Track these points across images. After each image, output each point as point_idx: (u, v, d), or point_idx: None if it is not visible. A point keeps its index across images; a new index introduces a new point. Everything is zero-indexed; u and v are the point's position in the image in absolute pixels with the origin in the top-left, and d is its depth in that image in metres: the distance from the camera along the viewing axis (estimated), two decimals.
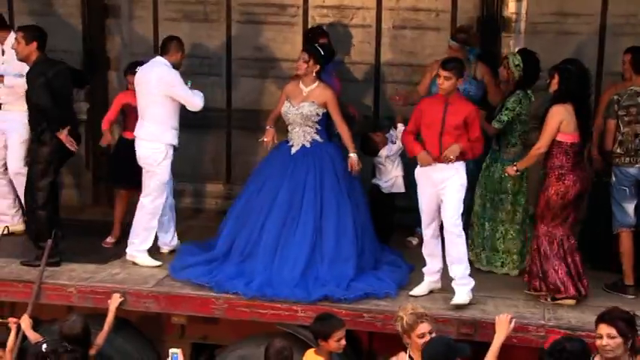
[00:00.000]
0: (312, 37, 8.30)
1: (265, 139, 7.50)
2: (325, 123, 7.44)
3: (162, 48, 7.69)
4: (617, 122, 7.07)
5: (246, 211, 7.43)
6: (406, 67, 8.96)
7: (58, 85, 7.57)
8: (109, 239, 8.22)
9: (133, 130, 7.75)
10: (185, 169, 8.90)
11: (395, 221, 8.25)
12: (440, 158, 6.79)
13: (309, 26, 8.98)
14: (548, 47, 8.47)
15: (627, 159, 7.06)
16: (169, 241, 7.97)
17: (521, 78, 7.40)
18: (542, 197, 6.93)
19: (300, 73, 7.41)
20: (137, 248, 7.69)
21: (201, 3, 9.28)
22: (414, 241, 8.30)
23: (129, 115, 8.04)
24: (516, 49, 7.62)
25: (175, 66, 7.63)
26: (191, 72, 9.15)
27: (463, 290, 6.87)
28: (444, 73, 6.82)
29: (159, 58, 7.62)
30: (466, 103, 6.96)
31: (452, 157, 6.72)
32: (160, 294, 7.14)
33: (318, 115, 7.36)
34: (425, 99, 7.29)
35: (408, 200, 7.99)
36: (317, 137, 7.42)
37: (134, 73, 7.80)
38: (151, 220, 7.64)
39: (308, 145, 7.40)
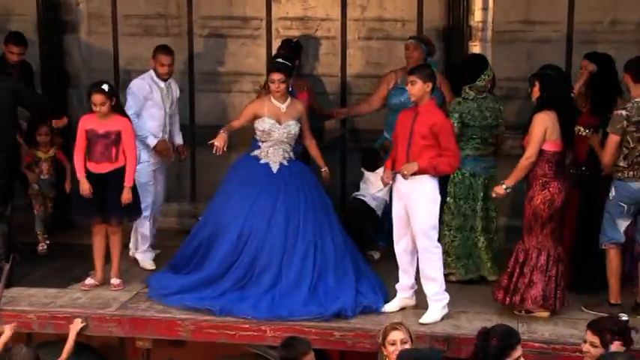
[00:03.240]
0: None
1: (217, 144, 6.96)
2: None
3: None
4: (626, 138, 6.66)
5: (217, 231, 7.16)
6: (373, 78, 8.80)
7: None
8: (89, 281, 7.40)
9: (97, 160, 7.12)
10: None
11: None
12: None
13: (273, 39, 8.88)
14: (515, 56, 8.50)
15: (631, 173, 6.70)
16: None
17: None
18: (527, 208, 6.71)
19: (281, 94, 7.16)
20: None
21: (162, 17, 9.13)
22: (376, 255, 8.23)
23: (93, 143, 7.13)
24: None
25: None
26: None
27: (437, 307, 6.75)
28: (409, 78, 6.74)
29: None
30: (434, 113, 6.73)
31: (405, 172, 6.58)
32: (123, 317, 6.94)
33: (297, 133, 7.27)
34: (403, 110, 7.09)
35: None
36: (292, 155, 7.31)
37: (100, 91, 7.03)
38: None
39: (286, 163, 7.24)
